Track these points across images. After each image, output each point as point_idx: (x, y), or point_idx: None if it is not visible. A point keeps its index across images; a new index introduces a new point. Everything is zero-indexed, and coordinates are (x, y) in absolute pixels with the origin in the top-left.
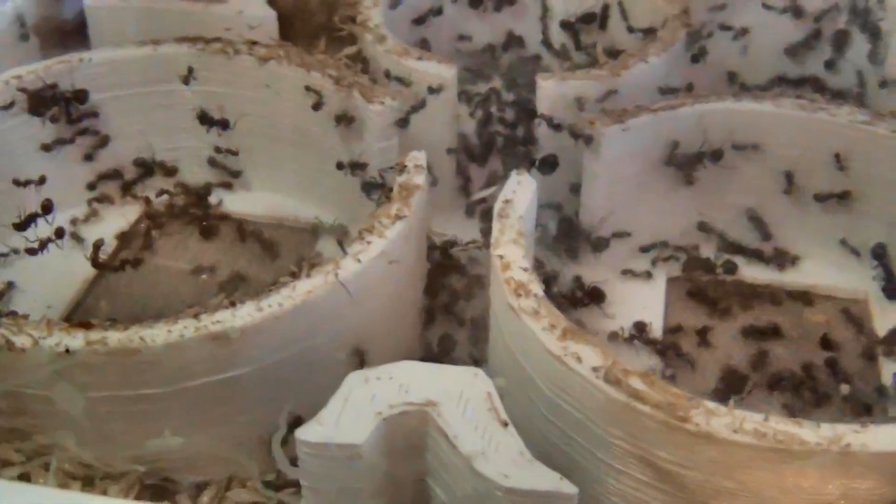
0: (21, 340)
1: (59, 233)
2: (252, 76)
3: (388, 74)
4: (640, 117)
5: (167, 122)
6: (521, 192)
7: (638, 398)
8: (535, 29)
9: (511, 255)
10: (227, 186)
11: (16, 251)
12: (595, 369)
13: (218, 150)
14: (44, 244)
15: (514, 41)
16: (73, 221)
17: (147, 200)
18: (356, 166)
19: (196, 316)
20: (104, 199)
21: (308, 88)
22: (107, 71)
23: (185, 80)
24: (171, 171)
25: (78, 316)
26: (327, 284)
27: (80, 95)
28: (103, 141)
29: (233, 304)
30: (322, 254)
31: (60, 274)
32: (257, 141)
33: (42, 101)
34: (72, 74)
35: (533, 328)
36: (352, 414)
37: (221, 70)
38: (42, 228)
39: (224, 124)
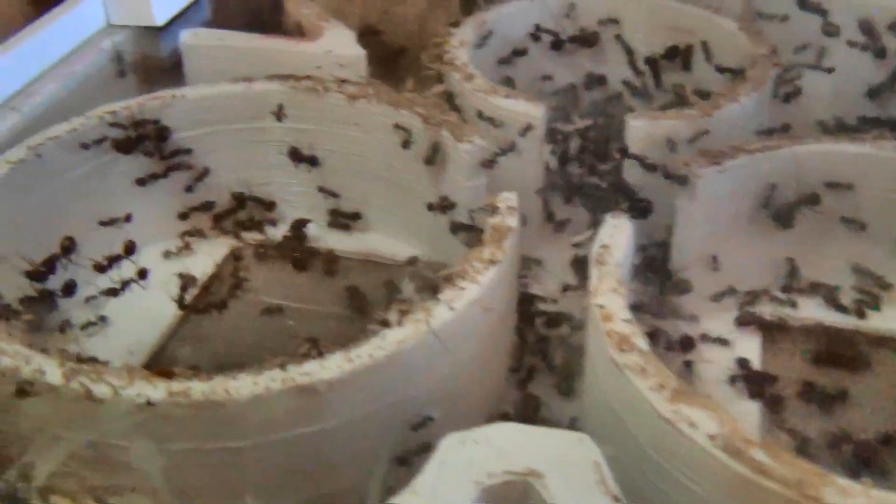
0: (101, 390)
1: (143, 273)
2: (342, 114)
3: (480, 115)
4: (738, 159)
5: (259, 157)
6: (617, 237)
7: (762, 472)
8: (615, 69)
9: (612, 305)
10: (343, 228)
11: (104, 293)
12: (711, 437)
13: (321, 189)
14: (125, 284)
15: (595, 81)
16: (166, 254)
17: (237, 235)
18: (445, 206)
19: (282, 366)
20: (196, 233)
21: (397, 126)
22: (200, 107)
23: (278, 117)
24: (268, 206)
25: (162, 359)
26: (419, 334)
27: (163, 133)
28: (202, 174)
29: (320, 355)
30: (405, 293)
31: (149, 314)
32: (348, 179)
33: (128, 139)
34: (164, 111)
35: (639, 387)
36: (448, 482)
37: (312, 108)
38: (127, 267)
39: (313, 161)
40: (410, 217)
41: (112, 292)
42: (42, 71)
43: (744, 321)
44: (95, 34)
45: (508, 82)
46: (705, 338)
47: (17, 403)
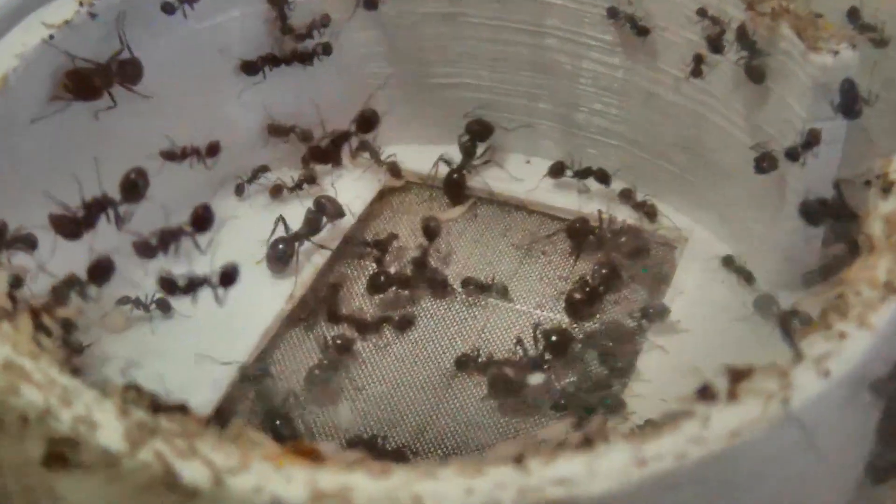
0: (192, 473)
1: (228, 277)
2: None
3: (854, 13)
4: None
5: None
6: None
7: None
8: None
9: None
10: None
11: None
12: None
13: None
14: (194, 285)
15: None
16: (276, 189)
17: (394, 168)
18: (792, 153)
19: (520, 461)
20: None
21: (702, 14)
22: None
23: None
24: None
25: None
26: (769, 419)
27: None
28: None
29: (588, 442)
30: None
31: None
32: (599, 97)
33: None
34: None
35: None
36: None
37: None
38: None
39: None
40: (700, 171)
41: (169, 287)
42: None
43: None
44: None
45: None
46: None
47: (48, 480)
